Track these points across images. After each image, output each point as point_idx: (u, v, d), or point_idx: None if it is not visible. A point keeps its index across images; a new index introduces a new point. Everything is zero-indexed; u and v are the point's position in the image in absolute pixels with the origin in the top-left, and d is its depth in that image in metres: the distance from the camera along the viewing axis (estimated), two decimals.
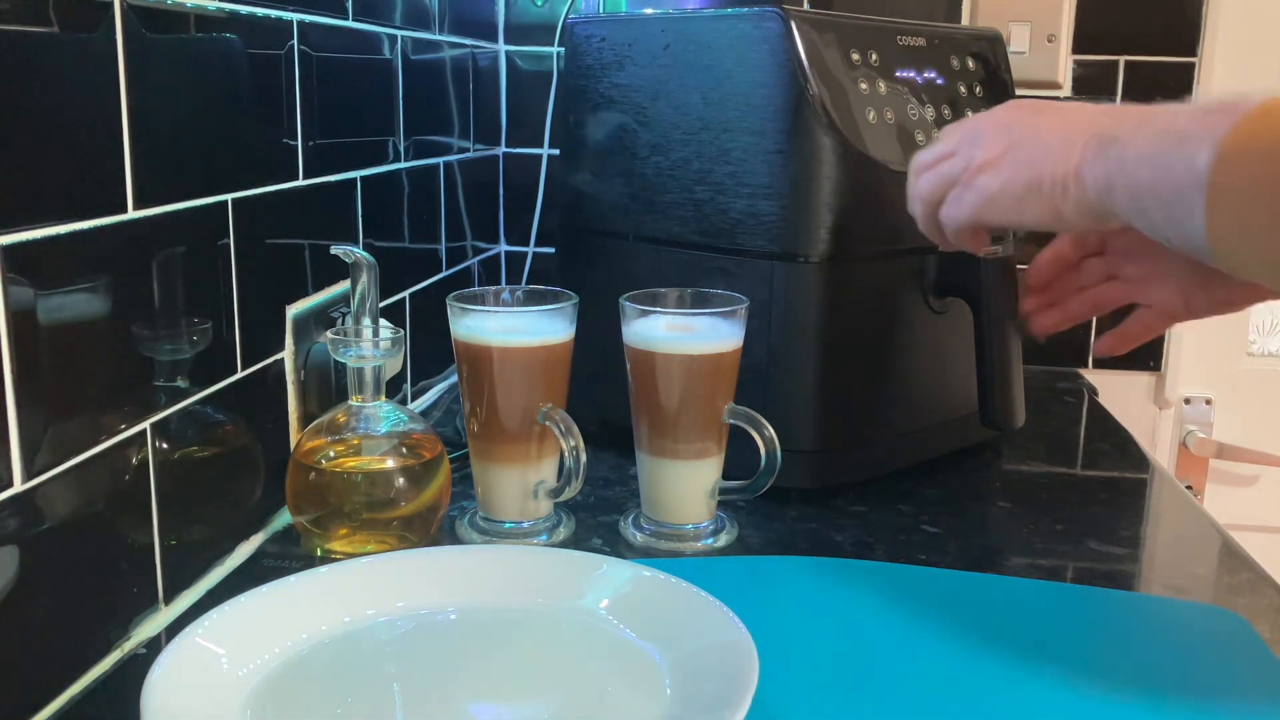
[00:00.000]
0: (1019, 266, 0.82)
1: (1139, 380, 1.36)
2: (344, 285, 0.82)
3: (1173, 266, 0.77)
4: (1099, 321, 0.80)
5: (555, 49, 1.26)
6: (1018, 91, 0.96)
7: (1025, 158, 0.65)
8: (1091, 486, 0.88)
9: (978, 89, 0.91)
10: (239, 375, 0.69)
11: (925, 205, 0.72)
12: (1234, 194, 0.52)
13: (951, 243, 0.73)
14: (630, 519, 0.77)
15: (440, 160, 1.06)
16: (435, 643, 0.59)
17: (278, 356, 0.75)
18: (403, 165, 0.96)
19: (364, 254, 0.73)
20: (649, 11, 1.11)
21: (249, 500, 0.72)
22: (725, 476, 0.76)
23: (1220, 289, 0.76)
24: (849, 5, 1.21)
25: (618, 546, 0.74)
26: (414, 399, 1.03)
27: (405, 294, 0.98)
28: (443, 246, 1.08)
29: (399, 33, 0.94)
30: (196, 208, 0.64)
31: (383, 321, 0.75)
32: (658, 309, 0.75)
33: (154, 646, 0.60)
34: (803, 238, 0.79)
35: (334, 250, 0.74)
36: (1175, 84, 1.25)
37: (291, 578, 0.60)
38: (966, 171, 0.68)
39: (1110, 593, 0.68)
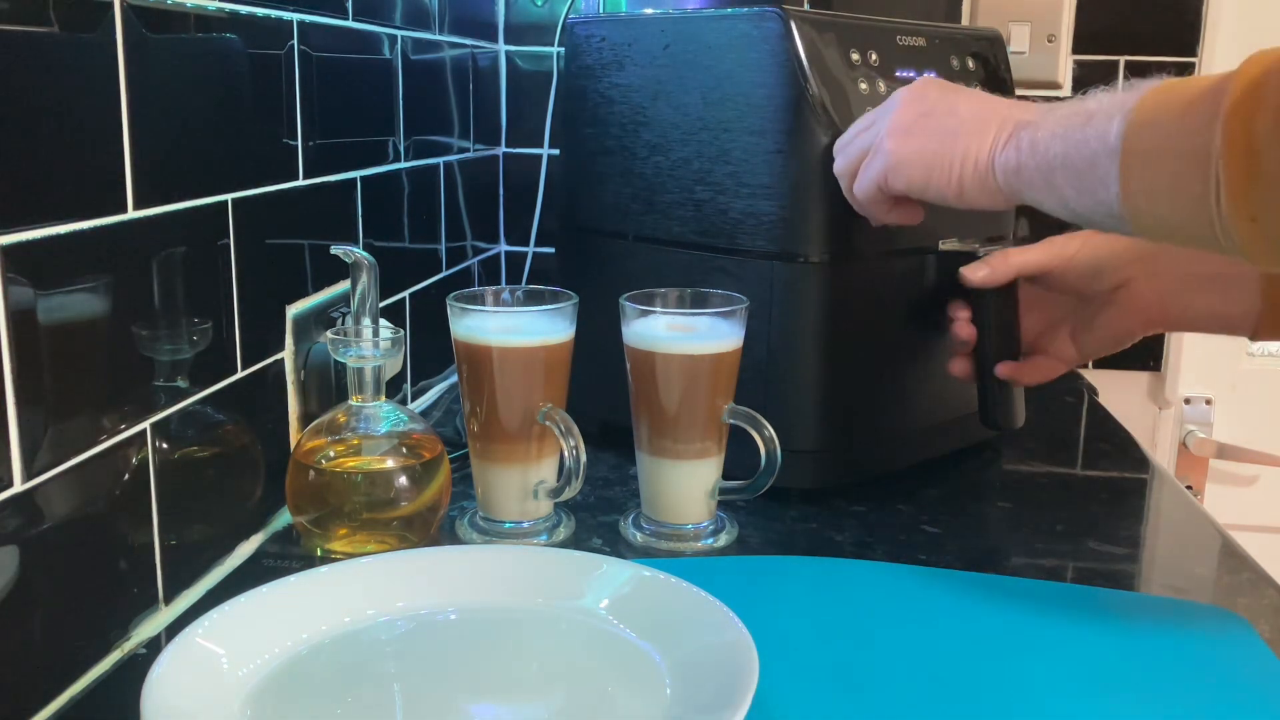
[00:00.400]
0: None
1: (1139, 380, 1.36)
2: (344, 285, 0.82)
3: (1061, 316, 0.81)
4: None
5: (555, 49, 1.26)
6: (1018, 92, 0.96)
7: (937, 128, 0.68)
8: (1091, 486, 0.88)
9: (978, 89, 0.90)
10: (239, 375, 0.69)
11: (844, 179, 0.75)
12: (1143, 159, 0.54)
13: (867, 211, 0.75)
14: (630, 519, 0.77)
15: (440, 160, 1.06)
16: (435, 643, 0.59)
17: (278, 356, 0.75)
18: (403, 165, 0.96)
19: (364, 254, 0.73)
20: (649, 11, 1.11)
21: (249, 500, 0.72)
22: (725, 476, 0.76)
23: (1106, 328, 0.80)
24: (849, 5, 1.21)
25: (618, 546, 0.74)
26: (414, 399, 1.03)
27: (405, 294, 0.98)
28: (443, 246, 1.08)
29: (399, 33, 0.94)
30: (196, 208, 0.64)
31: (383, 321, 0.75)
32: (658, 309, 0.75)
33: (154, 646, 0.60)
34: (803, 238, 0.79)
35: (334, 250, 0.74)
36: None
37: (291, 578, 0.60)
38: (879, 138, 0.71)
39: (1110, 593, 0.68)
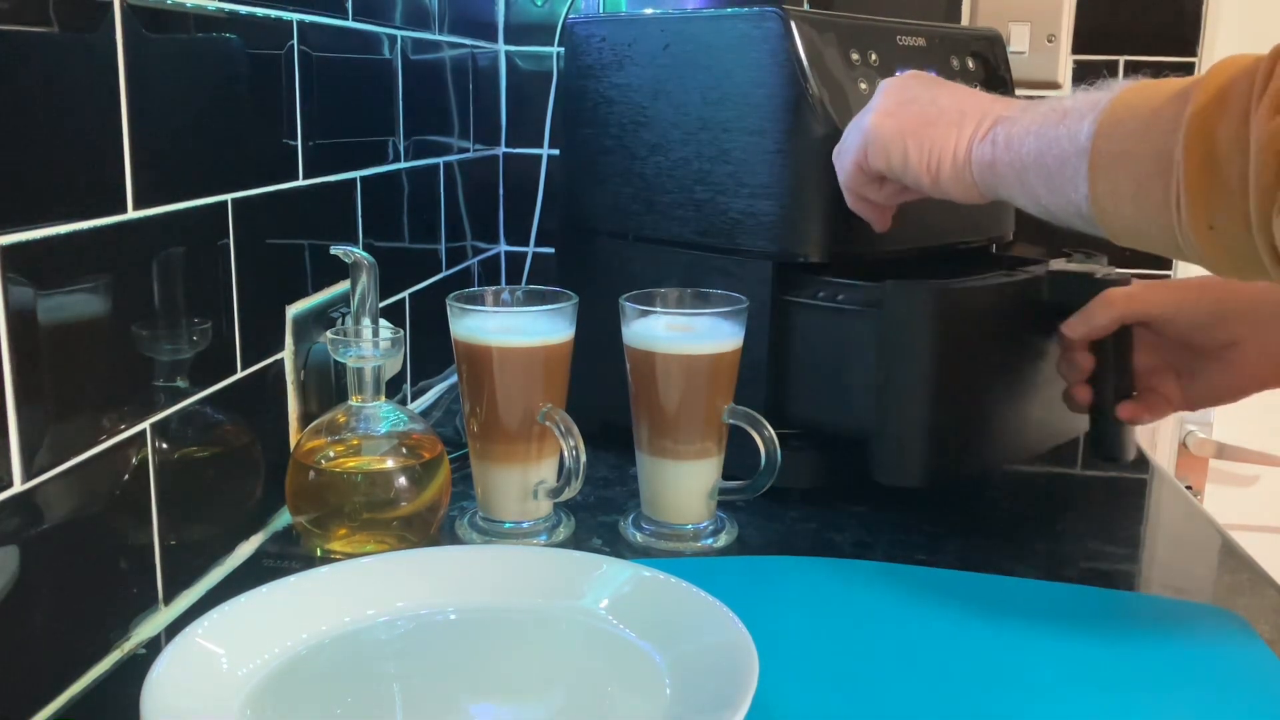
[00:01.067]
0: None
1: None
2: (344, 285, 0.82)
3: (1169, 362, 0.77)
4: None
5: (555, 49, 1.26)
6: (1018, 92, 0.96)
7: (917, 114, 0.69)
8: (1091, 486, 0.88)
9: (978, 89, 0.90)
10: (239, 375, 0.69)
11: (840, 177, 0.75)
12: (1109, 160, 0.55)
13: (858, 196, 0.74)
14: (630, 519, 0.77)
15: (440, 160, 1.06)
16: (435, 643, 0.59)
17: (278, 356, 0.75)
18: (403, 165, 0.96)
19: (364, 254, 0.73)
20: (649, 11, 1.11)
21: (249, 500, 0.72)
22: (725, 476, 0.76)
23: (1213, 384, 0.75)
24: (849, 5, 1.21)
25: (618, 546, 0.74)
26: (414, 399, 1.03)
27: (405, 294, 0.98)
28: (443, 246, 1.08)
29: (399, 33, 0.94)
30: (196, 208, 0.64)
31: (383, 321, 0.75)
32: (658, 309, 0.75)
33: (154, 646, 0.60)
34: (803, 238, 0.79)
35: (334, 250, 0.74)
36: None
37: (291, 578, 0.60)
38: (864, 118, 0.71)
39: (1110, 593, 0.68)
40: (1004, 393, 0.80)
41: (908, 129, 0.68)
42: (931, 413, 0.75)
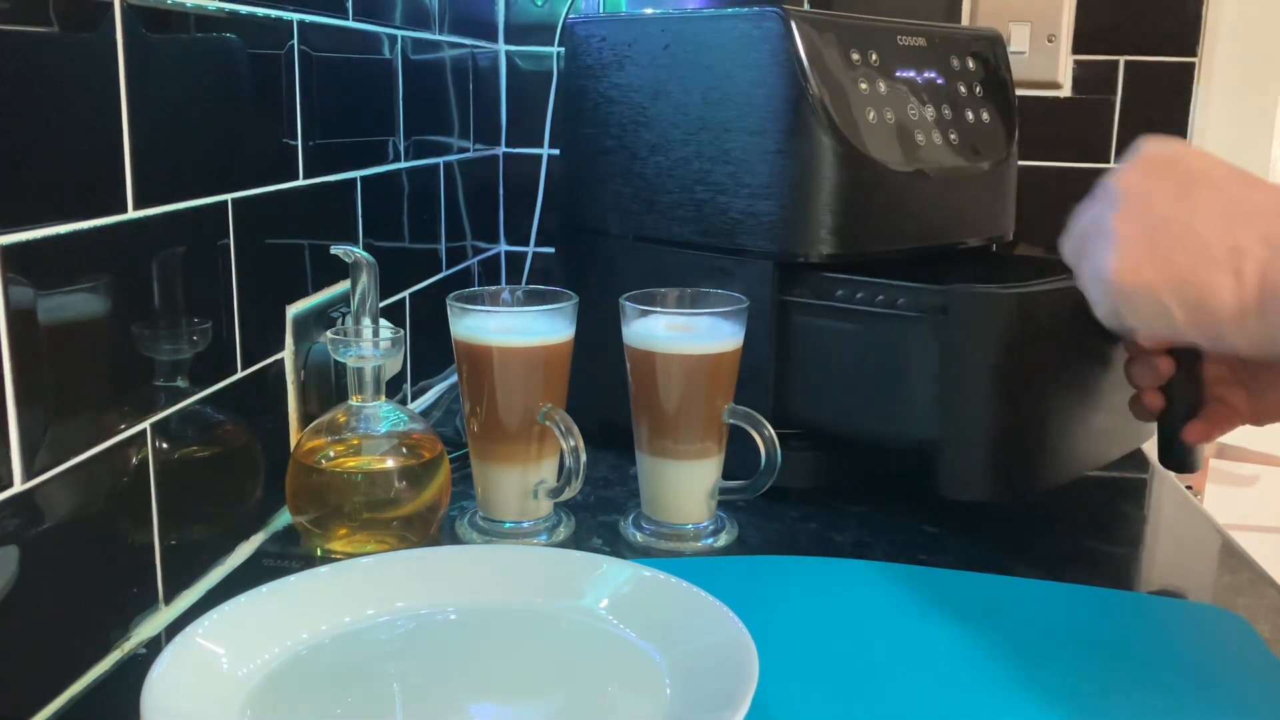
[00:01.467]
0: None
1: None
2: (344, 285, 0.82)
3: (1236, 374, 0.72)
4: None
5: (555, 49, 1.26)
6: (1017, 91, 0.95)
7: (1170, 257, 0.54)
8: (1091, 486, 0.88)
9: (978, 89, 0.91)
10: (239, 375, 0.69)
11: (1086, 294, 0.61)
12: None
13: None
14: (630, 519, 0.77)
15: (440, 160, 1.06)
16: (435, 643, 0.59)
17: (278, 356, 0.75)
18: (403, 165, 0.96)
19: (364, 254, 0.73)
20: (649, 11, 1.11)
21: (249, 500, 0.72)
22: (725, 476, 0.76)
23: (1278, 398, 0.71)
24: (849, 5, 1.21)
25: (618, 546, 0.74)
26: (414, 399, 1.03)
27: (405, 294, 0.98)
28: (443, 246, 1.08)
29: (399, 33, 0.94)
30: (196, 208, 0.64)
31: (383, 321, 0.75)
32: (658, 309, 0.75)
33: (154, 646, 0.60)
34: (803, 238, 0.79)
35: (334, 250, 0.74)
36: (1175, 84, 1.25)
37: (291, 578, 0.60)
38: (1102, 260, 0.57)
39: (1110, 593, 0.68)
40: (1072, 401, 0.78)
41: (1163, 284, 0.54)
42: (1002, 424, 0.72)
